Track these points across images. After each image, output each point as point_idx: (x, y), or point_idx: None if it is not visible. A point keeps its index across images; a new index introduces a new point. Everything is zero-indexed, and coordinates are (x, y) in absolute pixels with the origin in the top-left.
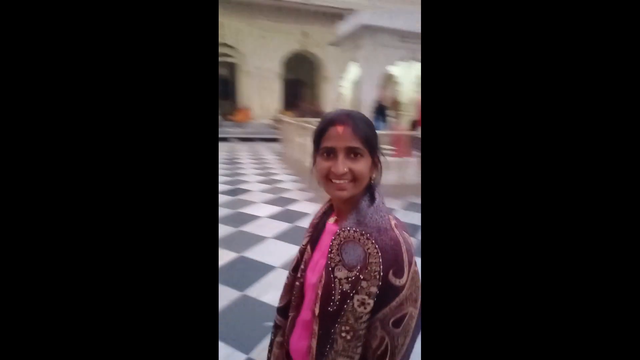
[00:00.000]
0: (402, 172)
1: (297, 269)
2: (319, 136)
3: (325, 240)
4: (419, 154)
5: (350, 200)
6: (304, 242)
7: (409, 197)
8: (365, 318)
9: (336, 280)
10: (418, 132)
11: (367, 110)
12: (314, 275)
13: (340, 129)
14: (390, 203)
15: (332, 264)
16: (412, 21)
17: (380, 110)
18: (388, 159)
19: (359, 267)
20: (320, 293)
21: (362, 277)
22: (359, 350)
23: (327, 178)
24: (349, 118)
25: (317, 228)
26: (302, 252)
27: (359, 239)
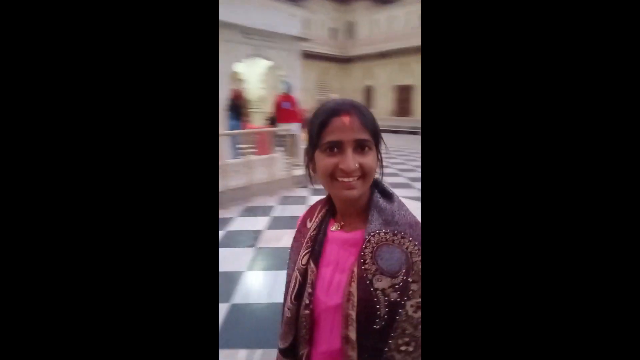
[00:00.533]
0: (270, 169)
1: (301, 295)
2: (320, 129)
3: (334, 252)
4: (280, 149)
5: (358, 200)
6: (304, 261)
7: (281, 192)
8: None
9: (378, 292)
10: (277, 128)
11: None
12: (331, 296)
13: (346, 119)
14: (266, 200)
15: (369, 276)
16: (254, 17)
17: (235, 108)
18: (253, 158)
19: (403, 271)
20: (354, 313)
21: (410, 280)
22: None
23: (333, 176)
24: (354, 107)
25: (317, 240)
26: (303, 273)
27: (393, 240)
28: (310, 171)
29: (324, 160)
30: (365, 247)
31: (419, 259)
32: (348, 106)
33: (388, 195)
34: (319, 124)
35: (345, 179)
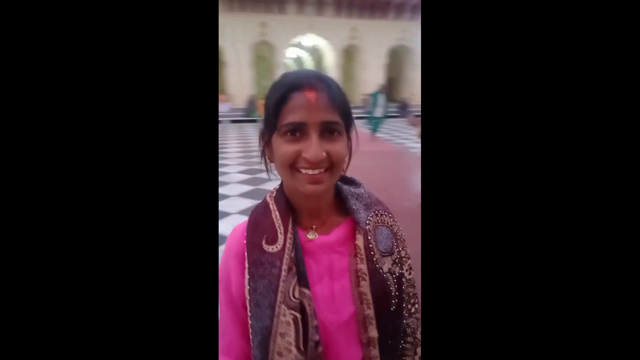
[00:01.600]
0: None
1: (307, 336)
2: (277, 107)
3: (323, 261)
4: None
5: (326, 194)
6: (295, 294)
7: None
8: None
9: (387, 275)
10: None
11: None
12: (340, 309)
13: (311, 95)
14: None
15: (379, 264)
16: None
17: None
18: None
19: (395, 244)
20: (372, 311)
21: (400, 249)
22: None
23: (294, 167)
24: (321, 80)
25: (297, 259)
26: (300, 308)
27: (378, 221)
28: (267, 159)
29: (283, 147)
30: (370, 239)
31: (397, 227)
32: (313, 79)
33: (352, 181)
34: (276, 100)
35: (310, 171)
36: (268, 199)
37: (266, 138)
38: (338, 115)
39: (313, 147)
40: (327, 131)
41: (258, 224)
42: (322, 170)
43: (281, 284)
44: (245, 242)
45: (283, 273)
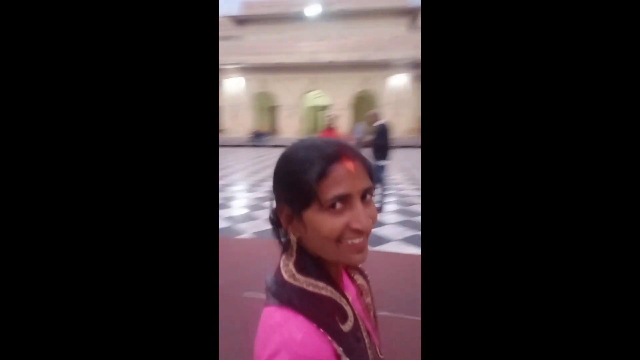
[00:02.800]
0: None
1: None
2: (317, 181)
3: (358, 307)
4: None
5: None
6: (381, 352)
7: None
8: None
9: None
10: None
11: None
12: (376, 334)
13: (350, 165)
14: None
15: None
16: None
17: None
18: None
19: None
20: (378, 334)
21: None
22: None
23: (339, 239)
24: (351, 149)
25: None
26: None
27: None
28: (291, 236)
29: (329, 221)
30: (365, 275)
31: None
32: (347, 148)
33: None
34: (318, 175)
35: (357, 240)
36: (295, 283)
37: (290, 214)
38: (370, 180)
39: (362, 217)
40: (363, 197)
41: (321, 312)
42: (365, 236)
43: (369, 352)
44: (329, 339)
45: (366, 341)
